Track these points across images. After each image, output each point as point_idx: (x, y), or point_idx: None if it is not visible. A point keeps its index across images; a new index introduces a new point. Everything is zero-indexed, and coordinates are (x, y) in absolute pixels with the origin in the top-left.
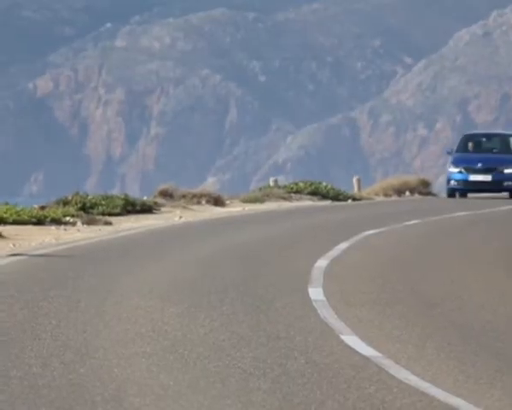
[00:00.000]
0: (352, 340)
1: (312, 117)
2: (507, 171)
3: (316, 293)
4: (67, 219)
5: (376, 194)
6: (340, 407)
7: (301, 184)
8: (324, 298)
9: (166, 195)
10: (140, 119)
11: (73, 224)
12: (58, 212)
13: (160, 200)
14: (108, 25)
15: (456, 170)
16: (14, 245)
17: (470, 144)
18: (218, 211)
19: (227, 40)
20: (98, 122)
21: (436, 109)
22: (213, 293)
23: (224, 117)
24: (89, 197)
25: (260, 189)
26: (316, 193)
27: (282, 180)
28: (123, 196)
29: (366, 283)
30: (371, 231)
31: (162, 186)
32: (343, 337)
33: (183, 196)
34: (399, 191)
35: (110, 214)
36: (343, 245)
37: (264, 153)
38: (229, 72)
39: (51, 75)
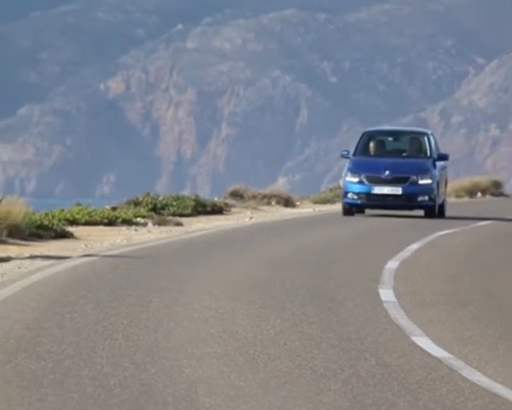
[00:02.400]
0: (423, 341)
1: (383, 118)
2: (423, 181)
3: (386, 294)
4: (138, 219)
5: (447, 195)
6: (412, 408)
7: None
8: (395, 299)
9: (237, 196)
10: (211, 120)
11: (144, 225)
12: (129, 213)
13: (230, 201)
14: (180, 26)
15: (355, 179)
16: (85, 246)
17: (372, 145)
18: (288, 212)
19: (298, 41)
20: (169, 123)
21: (508, 110)
22: (284, 294)
23: (295, 118)
24: (160, 198)
25: (331, 190)
26: None
27: None
28: (193, 197)
29: (437, 284)
30: (443, 232)
31: (232, 187)
32: (414, 339)
33: (254, 197)
34: (471, 192)
35: (181, 215)
36: (414, 246)
37: (335, 154)
38: (300, 73)
39: (123, 77)
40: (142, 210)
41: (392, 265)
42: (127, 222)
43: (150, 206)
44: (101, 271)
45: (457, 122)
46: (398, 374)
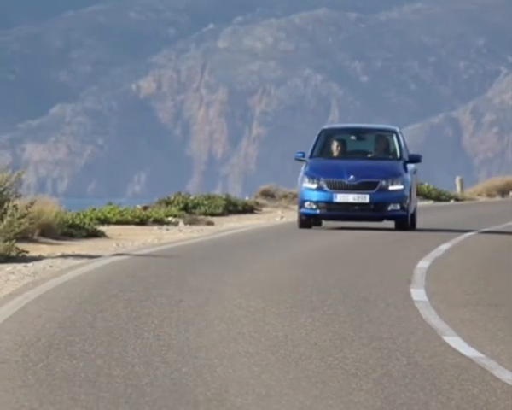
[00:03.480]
0: (455, 341)
1: (414, 117)
2: (393, 187)
3: (418, 294)
4: (170, 219)
5: (479, 194)
6: (444, 408)
7: None
8: (426, 299)
9: (268, 195)
10: (242, 119)
11: (175, 224)
12: (160, 212)
13: (261, 200)
14: (211, 26)
15: (314, 185)
16: (117, 245)
17: (334, 145)
18: None
19: (329, 40)
20: (200, 123)
21: None
22: (315, 293)
23: (326, 117)
24: (191, 197)
25: None
26: (417, 193)
27: None
28: (225, 197)
29: (469, 284)
30: (474, 232)
31: (263, 186)
32: (445, 338)
33: (285, 196)
34: (503, 192)
35: (212, 214)
36: (445, 246)
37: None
38: (331, 72)
39: (154, 76)
40: (174, 209)
41: (423, 264)
42: (158, 221)
43: (181, 205)
44: (132, 270)
45: (489, 121)
46: (430, 374)
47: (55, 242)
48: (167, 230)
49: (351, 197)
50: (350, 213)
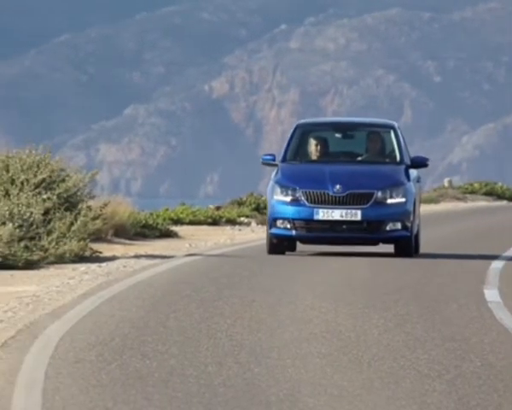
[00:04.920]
0: None
1: (488, 117)
2: (393, 200)
3: (491, 294)
4: (242, 219)
5: None
6: None
7: (476, 185)
8: (500, 300)
9: None
10: None
11: (248, 224)
12: (233, 212)
13: None
14: (283, 26)
15: (288, 198)
16: (190, 245)
17: (313, 145)
18: None
19: (402, 40)
20: (272, 123)
21: None
22: (387, 294)
23: (399, 118)
24: (263, 198)
25: (435, 189)
26: (491, 193)
27: (457, 181)
28: None
29: None
30: None
31: None
32: None
33: None
34: None
35: None
36: None
37: (439, 153)
38: (404, 72)
39: (227, 77)
40: (246, 210)
41: (497, 264)
42: (231, 222)
43: (253, 206)
44: (204, 270)
45: None
46: (504, 375)
47: (128, 242)
48: (239, 230)
49: (337, 214)
50: (336, 234)
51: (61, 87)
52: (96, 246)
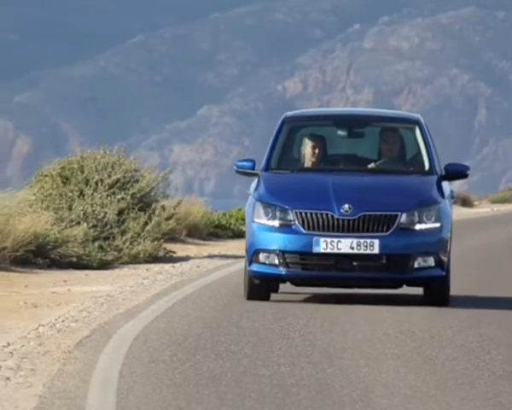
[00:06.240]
0: None
1: None
2: (424, 226)
3: None
4: None
5: None
6: None
7: None
8: None
9: None
10: None
11: None
12: None
13: None
14: (357, 26)
15: (275, 222)
16: None
17: (308, 147)
18: (465, 211)
19: (476, 39)
20: None
21: None
22: (461, 294)
23: (473, 117)
24: None
25: (510, 189)
26: None
27: None
28: None
29: None
30: None
31: None
32: None
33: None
34: None
35: None
36: None
37: None
38: (479, 71)
39: (300, 77)
40: None
41: None
42: None
43: None
44: None
45: None
46: None
47: (201, 242)
48: None
49: (345, 245)
50: (343, 273)
51: (135, 88)
52: (170, 246)
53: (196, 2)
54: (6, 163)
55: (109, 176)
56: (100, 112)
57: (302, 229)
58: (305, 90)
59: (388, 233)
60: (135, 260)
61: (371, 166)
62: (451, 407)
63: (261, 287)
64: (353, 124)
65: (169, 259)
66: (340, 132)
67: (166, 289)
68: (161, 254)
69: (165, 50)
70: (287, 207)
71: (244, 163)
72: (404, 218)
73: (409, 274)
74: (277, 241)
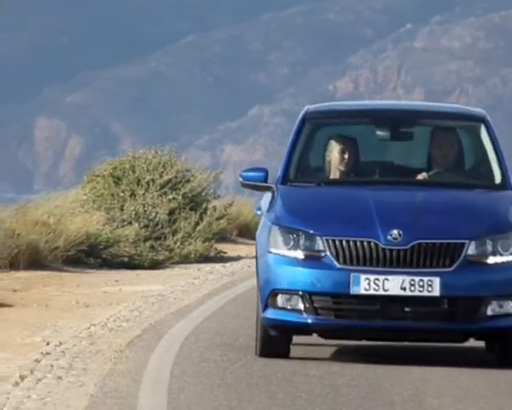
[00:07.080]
0: None
1: None
2: (500, 259)
3: None
4: None
5: None
6: None
7: None
8: None
9: None
10: None
11: None
12: None
13: None
14: (408, 25)
15: (298, 253)
16: None
17: (337, 152)
18: None
19: None
20: None
21: None
22: None
23: None
24: None
25: None
26: None
27: None
28: None
29: None
30: None
31: None
32: None
33: None
34: None
35: None
36: None
37: None
38: None
39: (351, 77)
40: None
41: None
42: None
43: None
44: None
45: None
46: None
47: (252, 242)
48: None
49: (395, 284)
50: (392, 323)
51: (187, 88)
52: (221, 246)
53: (247, 3)
54: (58, 163)
55: (161, 176)
56: (151, 112)
57: (336, 262)
58: (356, 89)
59: (452, 269)
60: (186, 259)
61: (422, 177)
62: (503, 407)
63: (279, 340)
64: (398, 122)
65: (220, 259)
66: (379, 133)
67: (217, 289)
68: (212, 254)
69: (217, 50)
70: (314, 232)
71: (253, 173)
72: (472, 248)
73: (480, 324)
74: (302, 278)
